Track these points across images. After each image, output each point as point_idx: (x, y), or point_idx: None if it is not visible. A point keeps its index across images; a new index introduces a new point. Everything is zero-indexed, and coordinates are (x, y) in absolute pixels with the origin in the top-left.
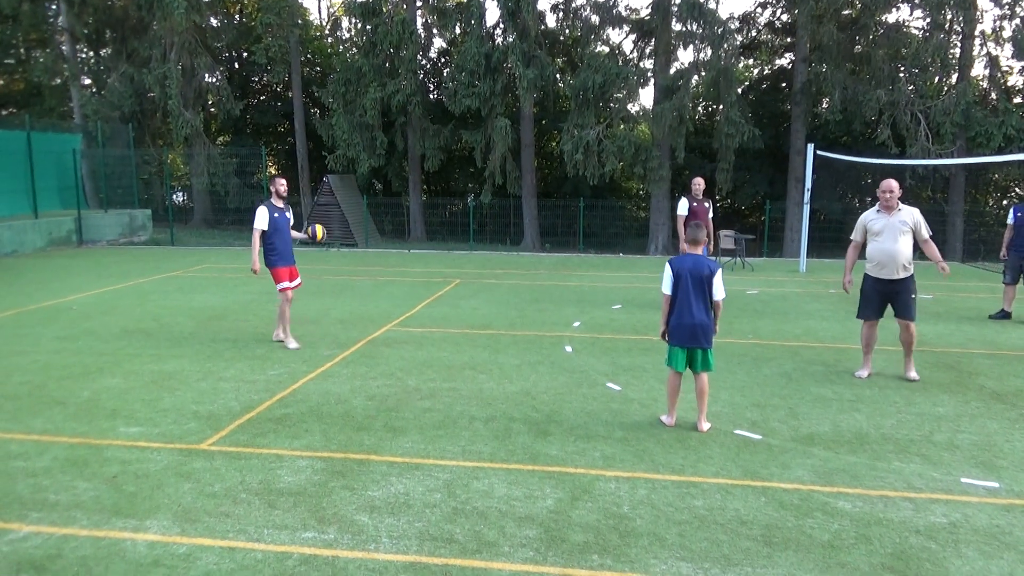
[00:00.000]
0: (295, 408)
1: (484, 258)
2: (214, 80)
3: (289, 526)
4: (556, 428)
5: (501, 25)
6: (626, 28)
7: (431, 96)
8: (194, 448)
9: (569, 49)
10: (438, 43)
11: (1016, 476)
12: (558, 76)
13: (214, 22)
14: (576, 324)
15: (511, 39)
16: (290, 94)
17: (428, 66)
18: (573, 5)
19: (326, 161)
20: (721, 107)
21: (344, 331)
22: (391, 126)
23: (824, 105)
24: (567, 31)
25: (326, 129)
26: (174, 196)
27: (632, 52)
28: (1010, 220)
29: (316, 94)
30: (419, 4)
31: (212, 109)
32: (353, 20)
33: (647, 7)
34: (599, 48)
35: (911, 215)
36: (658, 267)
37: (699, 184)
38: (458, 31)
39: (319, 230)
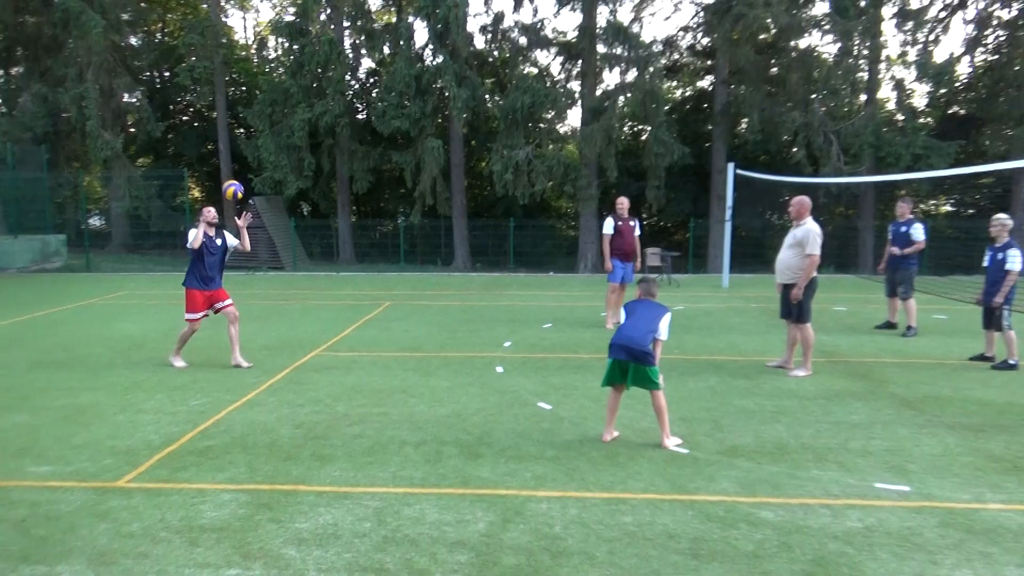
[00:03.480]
0: (218, 439)
1: (415, 279)
2: (134, 100)
3: (212, 564)
4: (487, 450)
5: (430, 46)
6: (553, 50)
7: (360, 117)
8: (110, 486)
9: (498, 70)
10: (367, 64)
11: (924, 479)
12: (488, 97)
13: (134, 41)
14: (507, 344)
15: (441, 60)
16: (214, 115)
17: (357, 87)
18: (501, 27)
19: (252, 183)
20: (648, 127)
21: (270, 357)
22: (319, 147)
23: (744, 125)
24: (496, 52)
25: (252, 150)
26: (91, 220)
27: (560, 74)
28: (888, 236)
29: (241, 115)
30: (347, 25)
31: (132, 130)
32: (280, 40)
33: (574, 30)
34: (528, 69)
35: (802, 231)
36: (588, 285)
37: (623, 203)
38: (387, 52)
39: (229, 192)
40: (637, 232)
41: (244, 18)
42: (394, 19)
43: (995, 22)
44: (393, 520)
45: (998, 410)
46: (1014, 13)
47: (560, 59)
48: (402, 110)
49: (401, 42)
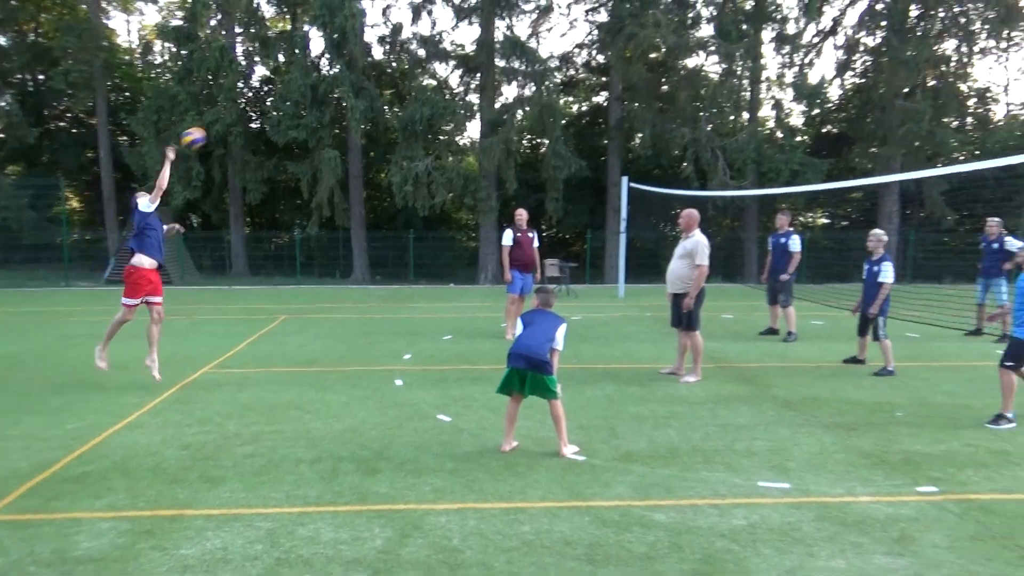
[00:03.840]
0: (97, 465)
1: (312, 292)
2: (3, 104)
3: None
4: (385, 464)
5: (327, 56)
6: (452, 63)
7: (253, 126)
8: None
9: (397, 81)
10: (261, 71)
11: (803, 476)
12: (386, 108)
13: (3, 41)
14: (407, 356)
15: (338, 70)
16: (94, 121)
17: (250, 95)
18: (400, 38)
19: (136, 194)
20: (546, 141)
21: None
22: (209, 157)
23: (637, 140)
24: (394, 64)
25: (135, 159)
26: None
27: (459, 86)
28: (768, 247)
29: (125, 122)
30: (239, 31)
31: (1, 136)
32: (166, 45)
33: (472, 43)
34: (426, 81)
35: (691, 242)
36: (488, 296)
37: (522, 215)
38: (282, 60)
39: (186, 140)
40: (535, 244)
41: (128, 20)
42: (289, 27)
43: (862, 48)
44: (287, 541)
45: (869, 409)
46: (878, 40)
47: (459, 72)
48: (298, 120)
49: (296, 50)
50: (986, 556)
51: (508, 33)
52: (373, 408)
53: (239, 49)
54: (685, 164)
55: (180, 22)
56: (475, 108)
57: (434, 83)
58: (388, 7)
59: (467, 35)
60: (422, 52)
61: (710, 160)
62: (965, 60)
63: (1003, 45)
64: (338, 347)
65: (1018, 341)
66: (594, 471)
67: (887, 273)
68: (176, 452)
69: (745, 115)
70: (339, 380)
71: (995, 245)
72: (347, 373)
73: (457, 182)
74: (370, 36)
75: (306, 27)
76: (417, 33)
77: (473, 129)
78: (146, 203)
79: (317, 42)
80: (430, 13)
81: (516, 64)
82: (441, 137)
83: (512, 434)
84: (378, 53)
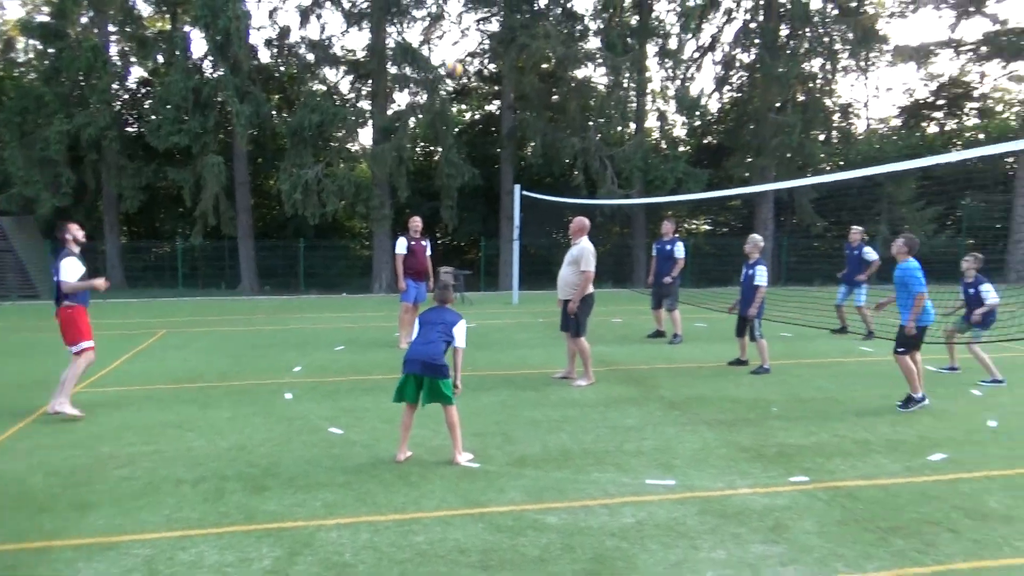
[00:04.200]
0: None
1: (195, 305)
2: None
3: None
4: (274, 481)
5: (210, 58)
6: (343, 68)
7: (130, 130)
8: None
9: (285, 86)
10: (138, 72)
11: (687, 472)
12: (274, 113)
13: None
14: (297, 369)
15: (222, 73)
16: None
17: (126, 97)
18: (288, 42)
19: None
20: (440, 149)
21: (23, 397)
22: (81, 162)
23: (529, 149)
24: (283, 68)
25: None
26: None
27: (350, 92)
28: (654, 253)
29: None
30: (113, 29)
31: None
32: (31, 42)
33: (363, 49)
34: (316, 87)
35: (578, 249)
36: (382, 305)
37: (416, 223)
38: (160, 61)
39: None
40: (428, 252)
41: None
42: (168, 27)
43: (738, 64)
44: (166, 568)
45: (747, 406)
46: (753, 57)
47: (350, 78)
48: (180, 125)
49: (177, 52)
50: (851, 539)
51: (400, 40)
52: (261, 424)
53: (113, 49)
54: (576, 172)
55: (46, 18)
56: (367, 115)
57: (324, 88)
58: (275, 9)
59: (358, 40)
60: (311, 57)
61: (599, 169)
62: (830, 77)
63: (862, 64)
64: (223, 361)
65: (920, 329)
66: (488, 477)
67: (761, 276)
68: (44, 479)
69: (632, 126)
70: (224, 396)
71: (856, 252)
72: (233, 388)
73: (349, 190)
74: (256, 39)
75: (187, 28)
76: (306, 37)
77: (365, 136)
78: (67, 276)
79: (199, 43)
80: (319, 17)
81: (408, 71)
82: (332, 144)
83: (406, 443)
84: (265, 56)
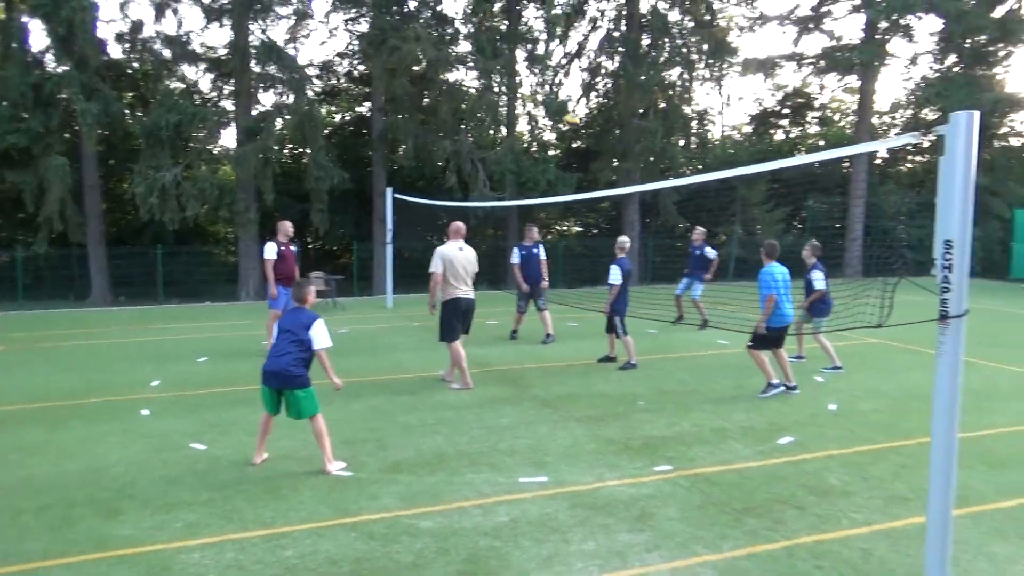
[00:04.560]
0: None
1: (39, 318)
2: None
3: None
4: (129, 504)
5: (52, 51)
6: (203, 66)
7: None
8: None
9: (139, 84)
10: None
11: (559, 468)
12: (127, 112)
13: None
14: (155, 383)
15: (67, 68)
16: None
17: None
18: (141, 37)
19: None
20: (308, 151)
21: None
22: None
23: (401, 152)
24: (136, 64)
25: None
26: None
27: (211, 91)
28: (515, 260)
29: None
30: None
31: None
32: None
33: (225, 46)
34: (174, 85)
35: (472, 252)
36: (249, 313)
37: (286, 227)
38: None
39: None
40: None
41: None
42: (3, 16)
43: (603, 71)
44: None
45: (615, 401)
46: (616, 64)
47: (211, 76)
48: (18, 123)
49: (13, 44)
50: (709, 522)
51: (264, 38)
52: (115, 443)
53: None
54: (448, 175)
55: None
56: (230, 115)
57: (182, 87)
58: (126, 2)
59: (219, 37)
60: (168, 53)
61: (471, 172)
62: (688, 86)
63: (716, 74)
64: (71, 378)
65: (771, 329)
66: (361, 485)
67: (614, 275)
68: None
69: (503, 129)
70: (73, 416)
71: (698, 252)
72: (83, 407)
73: (211, 193)
74: (105, 32)
75: (24, 18)
76: (161, 32)
77: (228, 137)
78: None
79: (39, 35)
80: (175, 12)
81: (273, 70)
82: (192, 145)
83: (264, 445)
84: (116, 52)
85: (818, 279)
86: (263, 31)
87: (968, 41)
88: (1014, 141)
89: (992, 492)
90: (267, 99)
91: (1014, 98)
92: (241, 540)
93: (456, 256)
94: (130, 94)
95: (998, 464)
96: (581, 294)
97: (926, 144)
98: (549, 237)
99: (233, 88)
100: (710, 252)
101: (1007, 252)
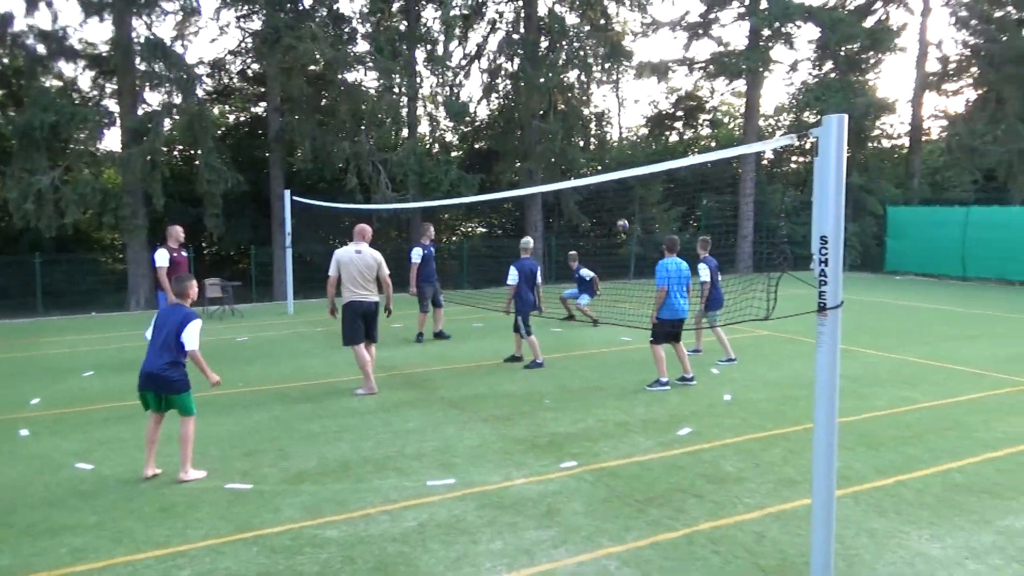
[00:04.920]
0: None
1: None
2: None
3: None
4: (7, 532)
5: None
6: (82, 63)
7: None
8: None
9: (10, 81)
10: None
11: (467, 469)
12: None
13: None
14: (34, 402)
15: None
16: None
17: None
18: (11, 31)
19: None
20: (200, 152)
21: None
22: None
23: (299, 153)
24: (6, 60)
25: None
26: None
27: (92, 90)
28: (415, 259)
29: None
30: None
31: None
32: None
33: (106, 43)
34: (49, 83)
35: (372, 255)
36: (140, 323)
37: (177, 233)
38: None
39: None
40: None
41: None
42: None
43: (503, 72)
44: None
45: (521, 399)
46: (516, 66)
47: (91, 74)
48: None
49: None
50: (614, 514)
51: (149, 34)
52: None
53: None
54: (349, 177)
55: None
56: (115, 115)
57: (59, 85)
58: None
59: (100, 33)
60: (42, 48)
61: (372, 173)
62: (585, 87)
63: (612, 77)
64: None
65: (661, 322)
66: (262, 498)
67: (510, 276)
68: None
69: (404, 131)
70: None
71: (576, 275)
72: None
73: (93, 198)
74: None
75: None
76: (34, 26)
77: (113, 139)
78: None
79: None
80: (50, 5)
81: (159, 68)
82: (72, 147)
83: (153, 458)
84: None
85: (703, 272)
86: (148, 27)
87: (842, 49)
88: (885, 143)
89: (871, 472)
90: (154, 99)
91: (884, 103)
92: (133, 562)
93: (352, 259)
94: (0, 92)
95: (877, 445)
96: (486, 294)
97: (808, 146)
98: (454, 238)
99: (116, 87)
100: (586, 274)
101: (882, 247)
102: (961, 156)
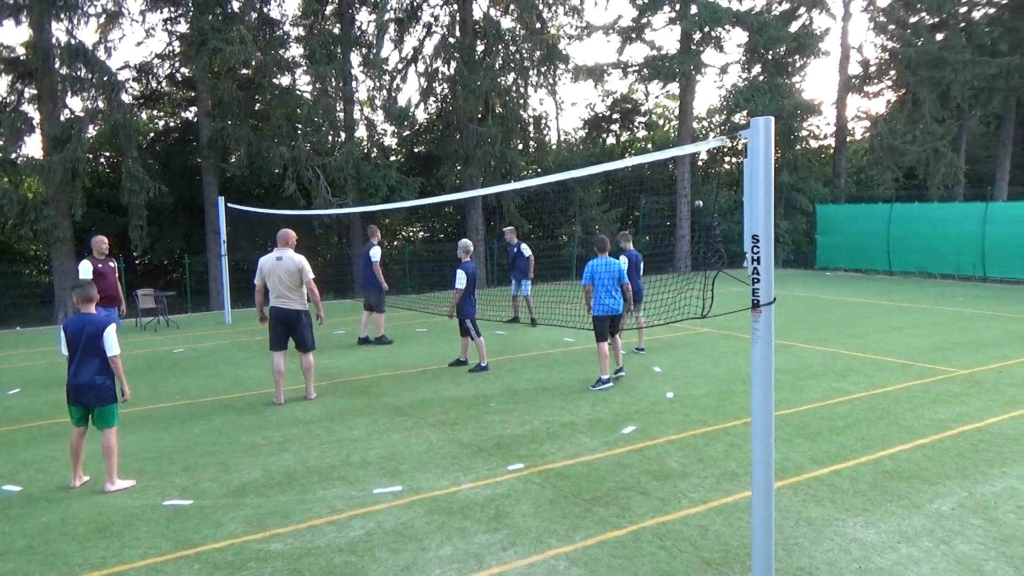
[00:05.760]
0: None
1: None
2: None
3: None
4: None
5: None
6: None
7: None
8: None
9: None
10: None
11: (414, 475)
12: None
13: None
14: None
15: None
16: None
17: None
18: None
19: None
20: (124, 161)
21: None
22: None
23: (233, 159)
24: None
25: None
26: None
27: (10, 95)
28: (375, 257)
29: None
30: None
31: None
32: None
33: (23, 46)
34: None
35: (293, 261)
36: None
37: (101, 243)
38: None
39: None
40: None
41: None
42: None
43: (440, 76)
44: None
45: (468, 404)
46: (453, 70)
47: (8, 78)
48: None
49: None
50: (561, 514)
51: (69, 39)
52: None
53: None
54: (287, 183)
55: None
56: (34, 122)
57: None
58: None
59: (16, 35)
60: None
61: (311, 178)
62: (523, 91)
63: (549, 80)
64: None
65: (595, 318)
66: (203, 513)
67: (460, 280)
68: None
69: (342, 135)
70: None
71: (515, 250)
72: None
73: (11, 208)
74: None
75: None
76: None
77: (34, 146)
78: None
79: None
80: None
81: (81, 73)
82: None
83: (80, 467)
84: None
85: (622, 263)
86: (68, 31)
87: (770, 52)
88: (813, 143)
89: (808, 462)
90: (76, 104)
91: (810, 104)
92: None
93: (273, 266)
94: None
95: (812, 436)
96: (428, 299)
97: (740, 147)
98: (396, 243)
99: (36, 92)
100: (525, 250)
101: (812, 244)
102: (883, 155)
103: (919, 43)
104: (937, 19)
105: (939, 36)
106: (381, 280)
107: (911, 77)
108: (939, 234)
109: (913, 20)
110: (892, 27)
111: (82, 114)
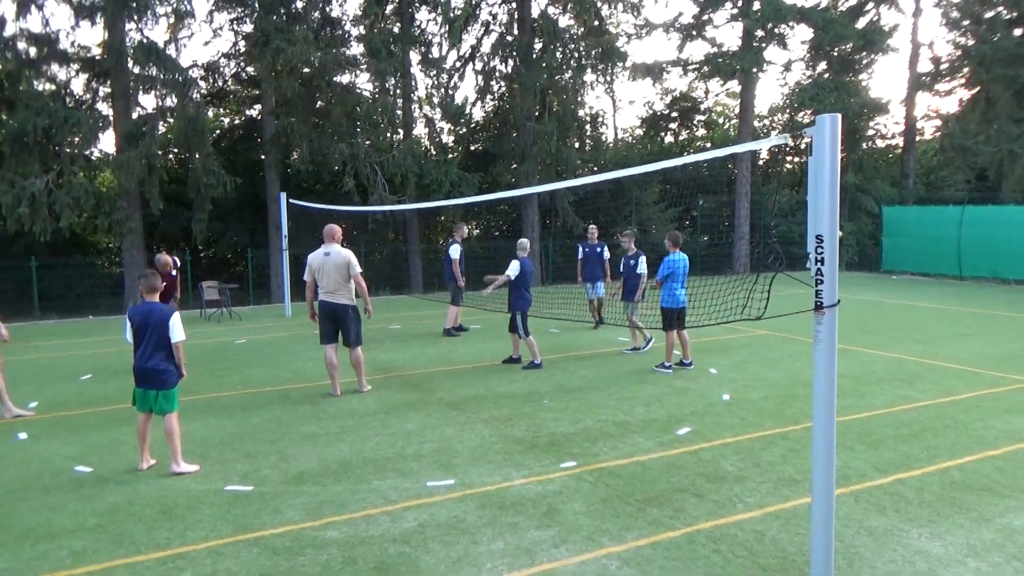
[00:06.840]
0: None
1: None
2: None
3: None
4: (6, 536)
5: None
6: (75, 66)
7: None
8: None
9: (2, 84)
10: None
11: (467, 470)
12: None
13: None
14: (32, 405)
15: None
16: None
17: None
18: (3, 35)
19: None
20: (196, 156)
21: None
22: None
23: (295, 156)
24: None
25: None
26: None
27: (85, 93)
28: (455, 255)
29: None
30: None
31: None
32: None
33: (99, 46)
34: (42, 86)
35: (341, 256)
36: None
37: (166, 265)
38: None
39: None
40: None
41: None
42: None
43: (498, 74)
44: None
45: (521, 400)
46: (510, 68)
47: (84, 77)
48: None
49: None
50: (614, 514)
51: (142, 38)
52: None
53: None
54: (345, 180)
55: None
56: (109, 119)
57: (52, 88)
58: None
59: (92, 36)
60: (33, 51)
61: (369, 175)
62: (580, 89)
63: (607, 78)
64: None
65: (665, 310)
66: (263, 499)
67: (512, 267)
68: None
69: (400, 132)
70: None
71: (599, 249)
72: None
73: (87, 202)
74: None
75: None
76: (26, 29)
77: (107, 142)
78: None
79: None
80: (41, 8)
81: (153, 71)
82: (67, 150)
83: (147, 451)
84: None
85: (642, 264)
86: (140, 31)
87: (835, 49)
88: (880, 143)
89: (871, 470)
90: (148, 102)
91: (878, 103)
92: (133, 564)
93: (323, 262)
94: None
95: (875, 443)
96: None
97: (803, 146)
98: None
99: (110, 90)
100: (607, 252)
101: (878, 246)
102: (954, 155)
103: (995, 39)
104: (1015, 14)
105: (1017, 32)
106: (458, 276)
107: (985, 75)
108: (1014, 238)
109: (989, 15)
110: (966, 23)
111: (154, 112)
